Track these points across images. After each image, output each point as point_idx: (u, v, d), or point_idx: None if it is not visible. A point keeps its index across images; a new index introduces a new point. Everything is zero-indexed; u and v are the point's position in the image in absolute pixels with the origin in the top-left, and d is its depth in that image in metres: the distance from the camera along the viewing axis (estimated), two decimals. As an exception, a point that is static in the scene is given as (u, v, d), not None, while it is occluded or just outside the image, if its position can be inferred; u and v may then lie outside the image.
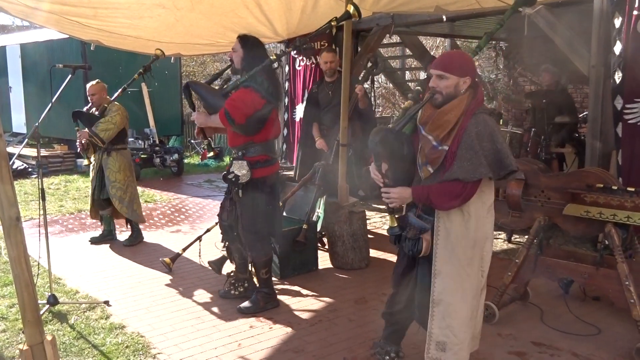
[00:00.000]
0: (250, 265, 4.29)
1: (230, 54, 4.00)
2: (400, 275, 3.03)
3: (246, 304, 4.14)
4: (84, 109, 5.77)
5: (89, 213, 6.13)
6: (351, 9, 3.69)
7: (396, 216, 2.82)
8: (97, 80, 5.72)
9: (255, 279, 4.32)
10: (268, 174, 4.00)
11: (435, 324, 2.80)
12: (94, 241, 6.00)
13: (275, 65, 3.90)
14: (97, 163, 5.74)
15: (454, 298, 2.74)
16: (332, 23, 3.68)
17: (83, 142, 5.60)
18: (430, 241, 2.76)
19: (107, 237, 6.05)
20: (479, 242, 2.75)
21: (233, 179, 3.90)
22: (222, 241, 4.37)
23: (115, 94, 5.58)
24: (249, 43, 3.91)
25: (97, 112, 5.63)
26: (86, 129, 5.54)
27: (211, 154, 4.21)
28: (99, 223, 6.17)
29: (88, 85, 5.67)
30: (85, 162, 5.83)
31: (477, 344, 3.00)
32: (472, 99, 2.67)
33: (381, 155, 2.73)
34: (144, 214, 6.08)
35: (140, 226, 6.16)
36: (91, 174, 5.87)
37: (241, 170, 3.88)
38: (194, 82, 4.07)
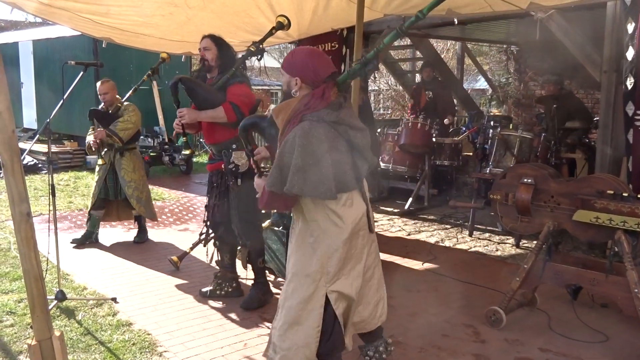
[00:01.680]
0: (245, 257, 4.39)
1: (201, 53, 4.09)
2: None
3: (247, 298, 4.22)
4: (99, 108, 5.73)
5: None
6: (284, 20, 4.27)
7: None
8: (106, 78, 5.67)
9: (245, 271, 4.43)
10: None
11: (274, 324, 2.81)
12: (77, 242, 5.78)
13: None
14: (108, 164, 5.67)
15: (286, 302, 2.73)
16: (273, 31, 4.27)
17: (98, 140, 5.54)
18: None
19: (88, 238, 5.86)
20: (319, 253, 2.66)
21: (233, 169, 4.04)
22: (213, 242, 4.47)
23: (127, 94, 5.56)
24: (221, 41, 4.11)
25: (109, 112, 5.62)
26: (102, 128, 5.50)
27: (187, 152, 4.27)
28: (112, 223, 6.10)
29: (99, 84, 5.63)
30: (100, 161, 5.68)
31: None
32: (303, 105, 2.58)
33: (246, 142, 2.89)
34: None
35: (149, 224, 6.17)
36: (97, 174, 5.76)
37: (240, 159, 4.05)
38: (186, 78, 4.04)
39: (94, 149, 5.61)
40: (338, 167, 2.56)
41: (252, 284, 4.31)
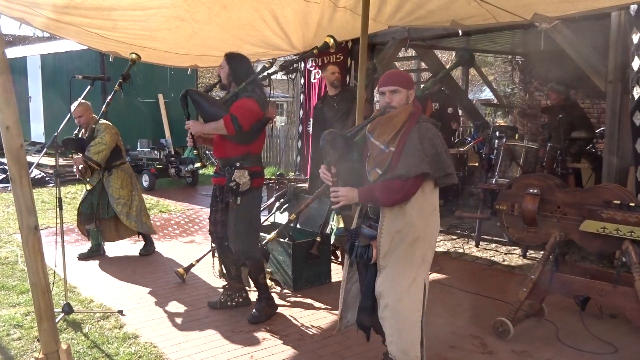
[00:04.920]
0: (247, 275, 4.42)
1: (218, 70, 4.15)
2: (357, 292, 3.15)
3: (255, 313, 4.21)
4: (74, 133, 5.51)
5: (77, 228, 5.97)
6: (330, 41, 4.39)
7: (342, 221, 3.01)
8: (80, 100, 5.35)
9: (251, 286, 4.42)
10: (260, 185, 4.24)
11: (389, 339, 2.91)
12: (82, 257, 5.77)
13: (266, 82, 4.22)
14: (99, 182, 5.61)
15: (392, 294, 2.86)
16: (314, 51, 4.48)
17: (80, 168, 5.43)
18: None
19: (95, 253, 5.85)
20: (419, 242, 2.89)
21: (234, 187, 4.03)
22: (217, 255, 4.52)
23: (101, 110, 5.36)
24: (234, 59, 4.14)
25: (86, 134, 5.49)
26: (79, 155, 5.40)
27: (198, 164, 4.28)
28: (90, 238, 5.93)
29: (72, 107, 5.28)
30: (88, 186, 5.65)
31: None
32: (415, 109, 2.94)
33: (330, 156, 2.91)
34: (158, 224, 6.08)
35: (155, 236, 6.18)
36: (85, 191, 5.73)
37: (242, 179, 4.03)
38: (193, 91, 4.08)
39: (78, 177, 5.58)
40: None
41: (256, 299, 4.30)
